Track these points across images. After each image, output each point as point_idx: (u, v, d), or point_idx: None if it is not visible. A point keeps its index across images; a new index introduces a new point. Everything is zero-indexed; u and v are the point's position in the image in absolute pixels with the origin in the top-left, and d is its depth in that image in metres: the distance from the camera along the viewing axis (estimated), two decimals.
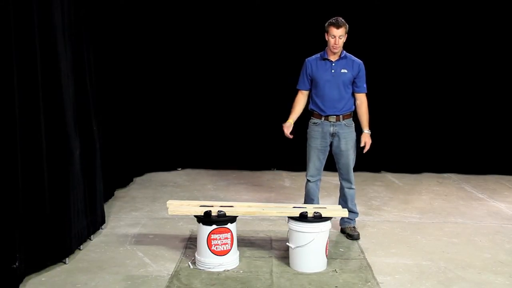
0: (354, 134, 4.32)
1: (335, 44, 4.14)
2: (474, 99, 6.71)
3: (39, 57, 3.40)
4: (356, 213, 4.46)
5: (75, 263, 3.75)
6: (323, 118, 4.25)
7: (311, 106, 4.34)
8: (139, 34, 6.23)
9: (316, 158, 4.33)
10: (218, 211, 3.67)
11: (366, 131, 4.30)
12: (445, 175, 6.78)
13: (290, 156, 6.84)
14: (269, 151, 6.85)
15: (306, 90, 4.38)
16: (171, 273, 3.62)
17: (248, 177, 6.53)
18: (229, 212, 3.70)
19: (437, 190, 6.08)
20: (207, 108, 6.82)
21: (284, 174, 6.76)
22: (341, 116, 4.23)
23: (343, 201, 4.42)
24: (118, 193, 5.61)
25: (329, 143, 4.30)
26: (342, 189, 4.43)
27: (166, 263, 3.79)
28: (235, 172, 6.73)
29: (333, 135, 4.26)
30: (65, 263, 3.71)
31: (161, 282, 3.48)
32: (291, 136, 4.33)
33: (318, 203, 4.42)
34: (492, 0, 6.54)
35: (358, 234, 4.34)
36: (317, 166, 4.35)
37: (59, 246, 3.63)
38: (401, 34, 6.54)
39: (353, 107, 4.30)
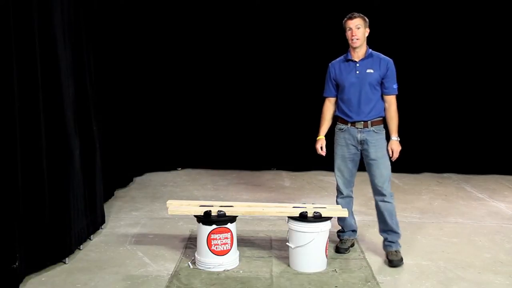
0: (385, 141, 3.87)
1: (353, 35, 3.79)
2: (474, 99, 6.72)
3: (39, 57, 3.40)
4: (397, 233, 3.88)
5: (75, 263, 3.75)
6: (349, 124, 3.87)
7: (337, 112, 3.98)
8: (139, 34, 6.23)
9: (344, 168, 3.95)
10: (218, 211, 3.67)
11: (394, 138, 3.82)
12: (445, 175, 6.79)
13: (290, 156, 6.86)
14: (269, 151, 6.86)
15: (333, 97, 4.01)
16: (171, 273, 3.62)
17: (248, 177, 6.53)
18: (229, 212, 3.70)
19: (437, 190, 6.08)
20: (207, 108, 6.83)
21: (284, 174, 6.76)
22: (369, 122, 3.82)
23: (381, 220, 3.91)
24: (118, 193, 5.62)
25: (359, 151, 3.90)
26: (376, 204, 3.92)
27: (166, 263, 3.79)
28: (235, 172, 6.73)
29: (361, 142, 3.85)
30: (65, 263, 3.71)
31: (161, 282, 3.48)
32: (324, 153, 4.00)
33: (353, 219, 4.11)
34: (490, 0, 6.55)
35: (400, 260, 3.78)
36: (346, 176, 3.97)
37: (59, 246, 3.63)
38: (400, 35, 6.55)
39: (383, 111, 3.87)
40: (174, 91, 6.69)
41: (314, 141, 6.78)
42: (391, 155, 3.83)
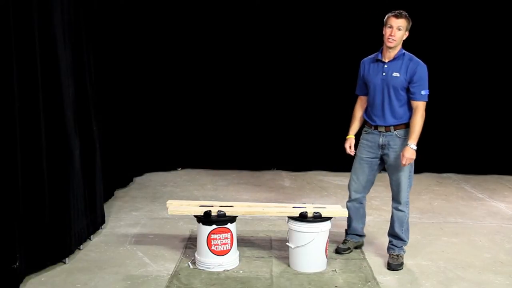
0: None
1: (391, 35, 3.57)
2: (474, 99, 6.71)
3: (39, 57, 3.39)
4: (403, 241, 3.83)
5: (75, 263, 3.75)
6: (373, 128, 3.79)
7: (364, 114, 3.89)
8: (139, 34, 6.23)
9: (360, 171, 3.86)
10: (218, 211, 3.67)
11: (410, 145, 3.62)
12: (445, 175, 6.79)
13: (290, 156, 6.86)
14: (269, 151, 6.86)
15: (364, 95, 3.87)
16: (171, 273, 3.62)
17: (248, 177, 6.53)
18: (229, 212, 3.70)
19: (437, 190, 6.08)
20: (206, 108, 6.82)
21: (284, 174, 6.76)
22: (392, 126, 3.71)
23: (391, 225, 3.85)
24: (118, 193, 5.61)
25: (379, 156, 3.80)
26: (391, 209, 3.87)
27: (166, 263, 3.79)
28: (235, 172, 6.73)
29: (382, 146, 3.75)
30: (65, 263, 3.71)
31: (161, 282, 3.48)
32: (352, 152, 3.92)
33: (361, 223, 4.05)
34: (490, 0, 6.55)
35: (399, 265, 3.73)
36: (361, 181, 3.88)
37: (59, 246, 3.63)
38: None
39: (410, 118, 3.71)
40: (174, 91, 6.69)
41: (314, 141, 6.83)
42: (401, 160, 3.64)
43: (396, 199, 3.81)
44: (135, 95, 6.18)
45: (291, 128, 6.80)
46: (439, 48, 6.58)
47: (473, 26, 6.57)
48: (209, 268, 3.65)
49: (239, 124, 6.82)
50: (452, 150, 6.81)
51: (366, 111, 3.86)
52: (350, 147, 3.93)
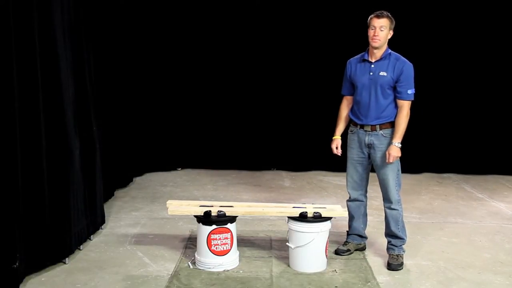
0: None
1: (374, 35, 3.62)
2: (474, 99, 6.71)
3: (39, 57, 3.40)
4: (401, 239, 3.83)
5: (75, 263, 3.75)
6: (358, 127, 3.81)
7: (349, 113, 3.90)
8: (139, 34, 6.23)
9: (353, 171, 3.91)
10: (218, 211, 3.67)
11: (394, 144, 3.65)
12: (445, 175, 6.79)
13: (290, 156, 6.86)
14: (269, 151, 6.86)
15: (350, 95, 3.89)
16: (171, 273, 3.62)
17: (248, 177, 6.53)
18: (229, 212, 3.70)
19: (437, 190, 6.08)
20: (206, 108, 6.83)
21: (284, 174, 6.76)
22: (377, 125, 3.73)
23: (386, 225, 3.86)
24: (118, 193, 5.61)
25: (367, 155, 3.84)
26: (384, 209, 3.88)
27: (166, 263, 3.80)
28: (235, 172, 6.73)
29: (369, 146, 3.78)
30: (65, 263, 3.71)
31: (161, 282, 3.48)
32: (339, 153, 3.95)
33: (362, 223, 4.05)
34: (494, 0, 6.55)
35: (400, 265, 3.74)
36: (356, 179, 3.92)
37: (59, 246, 3.63)
38: (402, 33, 6.53)
39: (395, 116, 3.75)
40: (174, 91, 6.69)
41: (314, 141, 6.82)
42: (387, 159, 3.68)
43: (387, 198, 3.83)
44: (135, 95, 6.19)
45: (291, 128, 6.80)
46: (440, 48, 6.58)
47: (473, 27, 6.57)
48: (209, 268, 3.65)
49: (238, 124, 6.83)
50: (452, 150, 6.81)
51: (352, 110, 3.88)
52: (336, 147, 3.96)
